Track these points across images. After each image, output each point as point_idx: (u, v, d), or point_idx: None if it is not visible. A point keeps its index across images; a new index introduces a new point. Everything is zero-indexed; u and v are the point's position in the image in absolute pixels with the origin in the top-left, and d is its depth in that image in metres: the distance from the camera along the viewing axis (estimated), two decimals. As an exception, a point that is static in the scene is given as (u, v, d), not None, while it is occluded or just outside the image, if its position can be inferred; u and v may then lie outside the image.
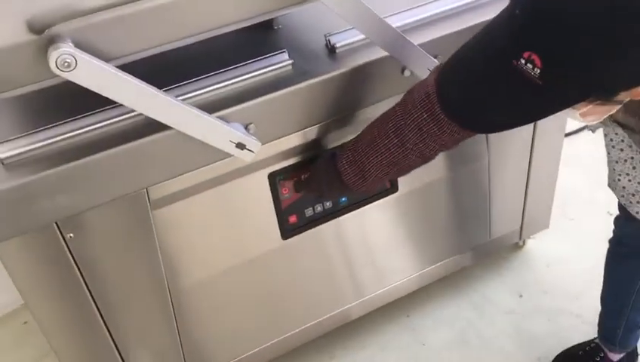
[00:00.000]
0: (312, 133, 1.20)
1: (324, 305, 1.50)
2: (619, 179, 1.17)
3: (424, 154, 0.97)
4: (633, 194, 1.15)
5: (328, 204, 1.33)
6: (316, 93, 1.14)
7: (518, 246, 1.83)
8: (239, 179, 1.20)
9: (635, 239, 1.29)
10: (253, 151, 1.09)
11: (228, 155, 1.08)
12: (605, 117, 0.89)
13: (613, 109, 0.83)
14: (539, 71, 0.68)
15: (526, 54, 0.69)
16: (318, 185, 1.18)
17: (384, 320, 1.68)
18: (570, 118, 0.87)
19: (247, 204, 1.24)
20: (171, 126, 1.01)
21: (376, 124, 1.02)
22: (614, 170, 1.18)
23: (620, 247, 1.37)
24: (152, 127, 1.02)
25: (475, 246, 1.64)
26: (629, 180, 1.14)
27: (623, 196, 1.19)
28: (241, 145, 1.07)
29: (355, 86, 1.17)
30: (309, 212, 1.32)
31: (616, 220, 1.36)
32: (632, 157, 1.11)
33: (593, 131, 1.20)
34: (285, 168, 1.23)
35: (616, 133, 1.11)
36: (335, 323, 1.55)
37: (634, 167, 1.12)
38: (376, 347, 1.63)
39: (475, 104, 0.83)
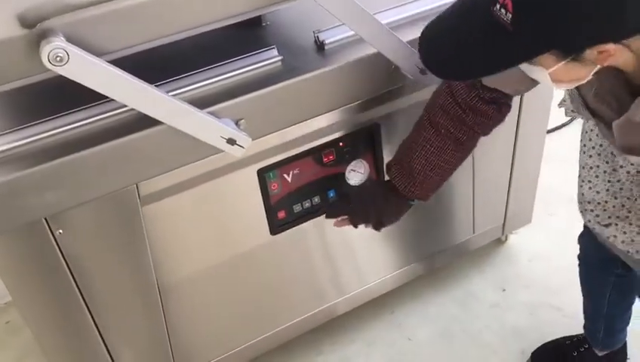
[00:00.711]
0: (301, 128, 1.20)
1: (311, 300, 1.51)
2: (581, 185, 1.19)
3: (458, 139, 1.13)
4: (589, 202, 1.17)
5: (316, 200, 1.34)
6: (306, 89, 1.14)
7: (500, 242, 1.86)
8: (228, 175, 1.20)
9: (597, 253, 1.31)
10: (243, 147, 1.09)
11: (218, 151, 1.08)
12: (575, 86, 0.89)
13: (583, 77, 0.82)
14: (510, 16, 0.71)
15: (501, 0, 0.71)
16: (365, 208, 1.22)
17: (370, 316, 1.69)
18: (542, 82, 0.86)
19: (236, 200, 1.24)
20: (162, 121, 1.01)
21: (413, 129, 1.17)
22: (580, 175, 1.20)
23: (586, 264, 1.43)
24: (142, 122, 1.02)
25: (459, 242, 1.66)
26: (590, 188, 1.16)
27: (581, 203, 1.21)
28: (231, 141, 1.08)
29: (345, 82, 1.18)
30: (297, 208, 1.33)
31: (580, 237, 1.41)
32: (598, 166, 1.13)
33: (573, 118, 1.18)
34: (274, 164, 1.24)
35: (591, 130, 1.12)
36: (322, 318, 1.56)
37: (597, 176, 1.14)
38: (363, 342, 1.65)
39: (452, 49, 0.83)
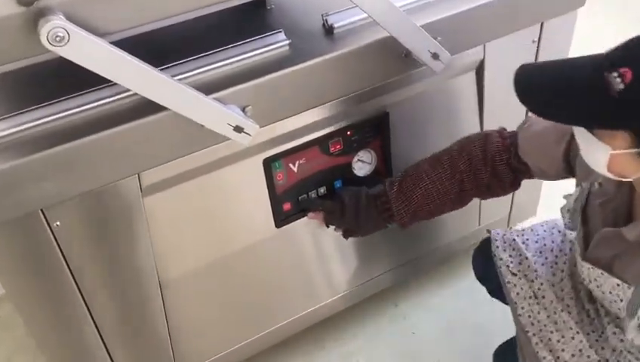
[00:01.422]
0: (309, 116, 1.16)
1: (315, 294, 1.47)
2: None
3: (463, 190, 1.17)
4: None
5: (322, 191, 1.30)
6: (315, 74, 1.09)
7: (505, 234, 1.82)
8: (233, 165, 1.15)
9: (495, 278, 1.28)
10: (250, 135, 1.04)
11: (225, 139, 1.03)
12: (618, 179, 0.89)
13: (633, 173, 0.85)
14: (622, 86, 0.75)
15: (622, 69, 0.75)
16: (345, 214, 1.22)
17: (373, 310, 1.66)
18: (595, 162, 0.87)
19: (240, 191, 1.19)
20: (167, 107, 0.95)
21: (429, 161, 1.19)
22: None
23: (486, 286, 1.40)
24: (145, 108, 0.97)
25: (464, 234, 1.63)
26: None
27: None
28: (238, 129, 1.03)
29: (354, 68, 1.13)
30: (303, 199, 1.28)
31: (474, 259, 1.39)
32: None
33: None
34: (280, 153, 1.19)
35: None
36: (326, 312, 1.51)
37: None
38: (366, 337, 1.61)
39: (546, 91, 0.87)
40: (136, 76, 0.90)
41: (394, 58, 1.16)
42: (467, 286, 1.72)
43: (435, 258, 1.64)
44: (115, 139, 0.96)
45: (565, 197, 1.16)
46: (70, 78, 0.96)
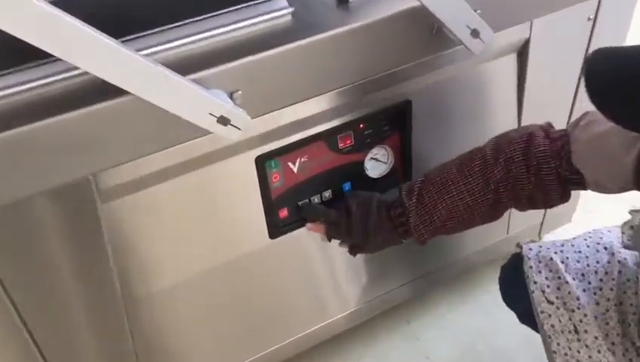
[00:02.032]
0: (314, 105, 0.93)
1: (318, 313, 1.25)
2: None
3: (499, 200, 0.94)
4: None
5: (327, 195, 1.07)
6: (323, 53, 0.87)
7: (531, 242, 1.60)
8: (217, 164, 0.92)
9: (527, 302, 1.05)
10: (239, 128, 0.81)
11: (205, 133, 0.81)
12: None
13: None
14: None
15: None
16: (352, 226, 1.01)
17: (384, 328, 1.44)
18: None
19: (226, 195, 0.97)
20: (129, 91, 0.73)
21: (456, 164, 0.96)
22: None
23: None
24: (101, 91, 0.74)
25: (489, 244, 1.41)
26: None
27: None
28: (224, 120, 0.80)
29: (372, 46, 0.90)
30: (304, 205, 1.05)
31: (502, 279, 1.17)
32: None
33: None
34: (277, 150, 0.96)
35: None
36: (329, 332, 1.30)
37: None
38: (374, 358, 1.39)
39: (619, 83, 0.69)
40: (87, 49, 0.68)
41: (422, 35, 0.93)
42: (490, 302, 1.50)
43: (454, 271, 1.42)
44: (60, 130, 0.73)
45: (632, 212, 0.95)
46: None
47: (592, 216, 1.69)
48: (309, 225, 1.05)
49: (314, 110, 0.94)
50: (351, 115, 1.00)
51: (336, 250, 1.09)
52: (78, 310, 0.93)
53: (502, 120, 1.16)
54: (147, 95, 0.74)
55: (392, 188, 1.10)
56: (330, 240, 1.06)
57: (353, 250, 1.05)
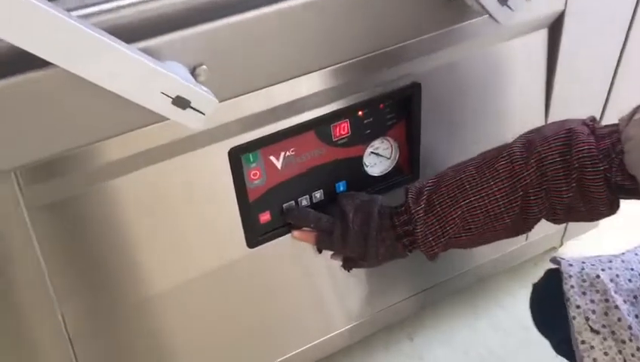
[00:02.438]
0: (302, 85, 0.75)
1: (307, 331, 1.07)
2: None
3: (526, 209, 0.76)
4: None
5: (318, 196, 0.90)
6: (312, 20, 0.69)
7: (552, 250, 1.43)
8: (181, 157, 0.74)
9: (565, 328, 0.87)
10: (203, 113, 0.64)
11: (159, 119, 0.63)
12: None
13: None
14: None
15: None
16: (347, 236, 0.83)
17: (381, 345, 1.27)
18: None
19: (194, 196, 0.79)
20: (54, 63, 0.55)
21: (474, 163, 0.79)
22: None
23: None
24: (19, 63, 0.56)
25: (505, 251, 1.23)
26: None
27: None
28: (181, 102, 0.62)
29: (375, 15, 0.73)
30: (289, 208, 0.88)
31: (534, 302, 0.97)
32: None
33: None
34: (257, 141, 0.78)
35: None
36: (321, 352, 1.12)
37: None
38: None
39: None
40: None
41: (435, 2, 0.75)
42: (502, 315, 1.33)
43: (465, 282, 1.25)
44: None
45: None
46: None
47: (624, 222, 1.51)
48: (295, 232, 0.88)
49: (301, 92, 0.76)
50: (347, 100, 0.82)
51: (329, 261, 0.92)
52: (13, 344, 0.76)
53: (528, 109, 0.99)
54: (80, 68, 0.56)
55: (395, 189, 0.92)
56: (320, 251, 0.88)
57: (348, 264, 0.88)
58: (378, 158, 0.92)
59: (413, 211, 0.79)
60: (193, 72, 0.65)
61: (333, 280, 1.02)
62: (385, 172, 0.93)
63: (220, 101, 0.65)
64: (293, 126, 0.80)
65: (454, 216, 0.77)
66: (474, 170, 0.77)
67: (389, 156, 0.92)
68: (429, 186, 0.79)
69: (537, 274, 1.37)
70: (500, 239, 0.80)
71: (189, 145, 0.73)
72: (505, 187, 0.75)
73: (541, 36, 0.93)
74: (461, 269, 1.19)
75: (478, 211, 0.76)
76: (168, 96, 0.61)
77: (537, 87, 0.98)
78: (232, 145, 0.77)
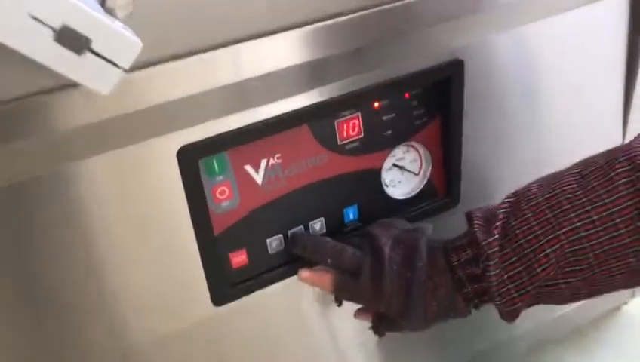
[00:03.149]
0: (290, 52, 0.49)
1: None
2: None
3: None
4: None
5: (318, 227, 0.62)
6: None
7: (617, 309, 1.13)
8: (103, 157, 0.47)
9: None
10: (117, 65, 0.37)
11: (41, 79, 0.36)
12: None
13: None
14: None
15: None
16: (406, 297, 0.56)
17: None
18: None
19: (131, 223, 0.51)
20: None
21: (575, 173, 0.53)
22: None
23: None
24: None
25: (559, 314, 0.94)
26: None
27: None
28: (73, 39, 0.35)
29: None
30: (274, 244, 0.60)
31: None
32: None
33: None
34: (222, 139, 0.51)
35: None
36: None
37: None
38: None
39: None
40: None
41: None
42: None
43: (526, 346, 0.95)
44: None
45: None
46: None
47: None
48: (304, 271, 0.60)
49: (290, 60, 0.50)
50: (358, 83, 0.56)
51: (350, 321, 0.63)
52: None
53: (606, 97, 0.72)
54: None
55: (426, 218, 0.65)
56: (340, 303, 0.60)
57: (381, 325, 0.60)
58: (402, 174, 0.64)
59: (483, 244, 0.52)
60: (103, 1, 0.38)
61: (342, 345, 0.72)
62: (411, 194, 0.65)
63: (155, 62, 0.38)
64: (279, 118, 0.53)
65: (548, 251, 0.50)
66: (574, 183, 0.51)
67: (416, 171, 0.65)
68: (504, 208, 0.53)
69: (600, 339, 1.08)
70: (618, 288, 0.53)
71: (111, 135, 0.46)
72: (627, 206, 0.48)
73: (621, 5, 0.68)
74: (523, 329, 0.89)
75: (587, 245, 0.49)
76: (46, 25, 0.34)
77: (614, 69, 0.72)
78: (185, 143, 0.50)
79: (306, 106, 0.54)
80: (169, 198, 0.52)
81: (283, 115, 0.53)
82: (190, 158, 0.50)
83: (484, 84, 0.63)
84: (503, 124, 0.67)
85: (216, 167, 0.53)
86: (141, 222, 0.51)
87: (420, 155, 0.64)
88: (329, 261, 0.58)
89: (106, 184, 0.48)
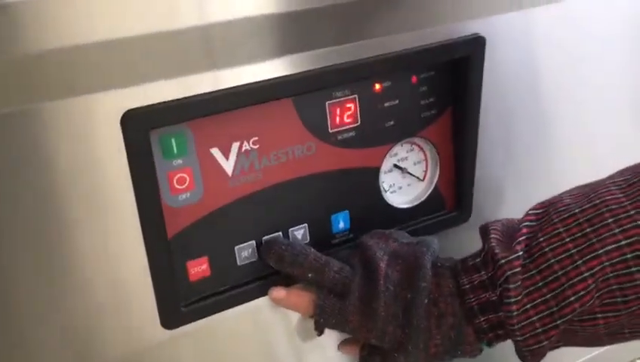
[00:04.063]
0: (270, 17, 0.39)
1: None
2: None
3: None
4: None
5: (300, 235, 0.50)
6: None
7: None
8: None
9: None
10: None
11: None
12: None
13: None
14: None
15: None
16: (405, 323, 0.45)
17: None
18: None
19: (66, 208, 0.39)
20: None
21: (620, 183, 0.42)
22: None
23: None
24: None
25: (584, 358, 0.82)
26: None
27: None
28: None
29: None
30: (244, 253, 0.48)
31: None
32: None
33: None
34: (180, 105, 0.40)
35: None
36: None
37: None
38: None
39: None
40: None
41: None
42: None
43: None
44: None
45: None
46: None
47: None
48: (276, 290, 0.48)
49: (268, 6, 0.39)
50: (356, 53, 0.45)
51: (324, 352, 0.51)
52: None
53: None
54: None
55: (430, 234, 0.53)
56: (320, 331, 0.47)
57: (370, 359, 0.47)
58: (404, 178, 0.53)
59: (502, 263, 0.42)
60: None
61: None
62: (414, 203, 0.54)
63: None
64: (254, 85, 0.42)
65: (585, 276, 0.40)
66: (619, 193, 0.41)
67: (421, 176, 0.54)
68: (529, 221, 0.42)
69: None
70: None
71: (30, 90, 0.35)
72: None
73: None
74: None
75: (634, 269, 0.39)
76: None
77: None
78: (130, 107, 0.38)
79: (290, 75, 0.43)
80: (110, 182, 0.40)
81: (260, 82, 0.42)
82: (138, 128, 0.39)
83: (506, 71, 0.53)
84: (524, 124, 0.57)
85: (174, 145, 0.42)
86: (71, 213, 0.39)
87: (425, 156, 0.54)
88: (309, 276, 0.46)
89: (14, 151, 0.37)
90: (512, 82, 0.53)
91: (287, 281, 0.48)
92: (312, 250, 0.47)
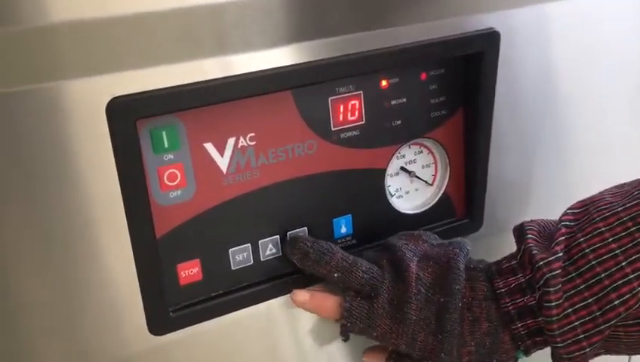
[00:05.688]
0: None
1: None
2: None
3: None
4: None
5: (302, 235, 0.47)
6: None
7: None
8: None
9: None
10: None
11: None
12: None
13: None
14: None
15: None
16: (437, 329, 0.42)
17: None
18: None
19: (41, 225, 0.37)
20: None
21: None
22: None
23: None
24: None
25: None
26: None
27: None
28: None
29: None
30: (239, 256, 0.45)
31: None
32: None
33: None
34: (170, 94, 0.37)
35: None
36: None
37: None
38: None
39: None
40: None
41: None
42: None
43: None
44: None
45: None
46: None
47: None
48: (300, 292, 0.45)
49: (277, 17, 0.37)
50: (361, 45, 0.42)
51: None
52: None
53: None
54: None
55: (444, 235, 0.50)
56: (346, 337, 0.44)
57: None
58: (411, 182, 0.50)
59: (540, 265, 0.39)
60: None
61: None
62: (422, 209, 0.51)
63: None
64: (251, 75, 0.39)
65: (631, 278, 0.38)
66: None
67: (430, 180, 0.51)
68: (567, 220, 0.40)
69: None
70: None
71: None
72: None
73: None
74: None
75: None
76: None
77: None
78: (118, 95, 0.36)
79: (289, 66, 0.40)
80: (95, 177, 0.37)
81: (256, 72, 0.39)
82: (125, 117, 0.36)
83: (521, 69, 0.50)
84: (539, 126, 0.54)
85: (164, 138, 0.39)
86: (54, 209, 0.37)
87: (435, 159, 0.51)
88: (336, 275, 0.43)
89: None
90: (527, 81, 0.50)
91: (288, 288, 0.46)
92: (339, 248, 0.44)
